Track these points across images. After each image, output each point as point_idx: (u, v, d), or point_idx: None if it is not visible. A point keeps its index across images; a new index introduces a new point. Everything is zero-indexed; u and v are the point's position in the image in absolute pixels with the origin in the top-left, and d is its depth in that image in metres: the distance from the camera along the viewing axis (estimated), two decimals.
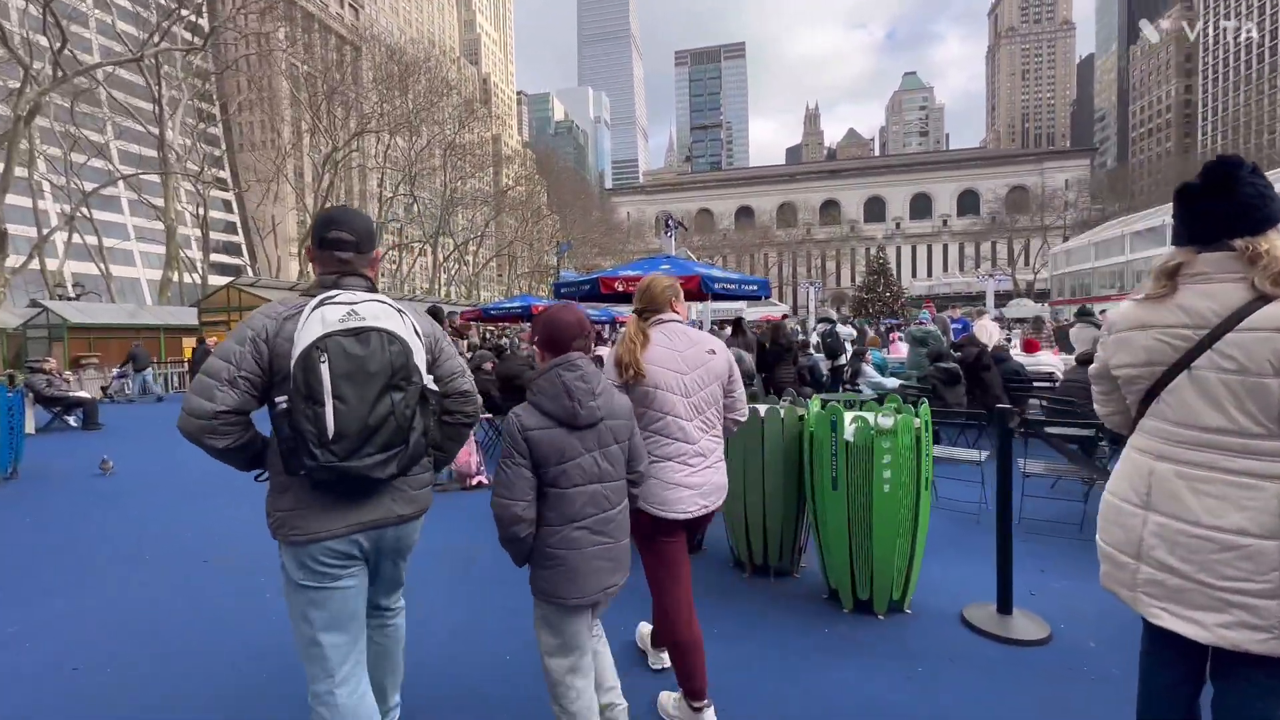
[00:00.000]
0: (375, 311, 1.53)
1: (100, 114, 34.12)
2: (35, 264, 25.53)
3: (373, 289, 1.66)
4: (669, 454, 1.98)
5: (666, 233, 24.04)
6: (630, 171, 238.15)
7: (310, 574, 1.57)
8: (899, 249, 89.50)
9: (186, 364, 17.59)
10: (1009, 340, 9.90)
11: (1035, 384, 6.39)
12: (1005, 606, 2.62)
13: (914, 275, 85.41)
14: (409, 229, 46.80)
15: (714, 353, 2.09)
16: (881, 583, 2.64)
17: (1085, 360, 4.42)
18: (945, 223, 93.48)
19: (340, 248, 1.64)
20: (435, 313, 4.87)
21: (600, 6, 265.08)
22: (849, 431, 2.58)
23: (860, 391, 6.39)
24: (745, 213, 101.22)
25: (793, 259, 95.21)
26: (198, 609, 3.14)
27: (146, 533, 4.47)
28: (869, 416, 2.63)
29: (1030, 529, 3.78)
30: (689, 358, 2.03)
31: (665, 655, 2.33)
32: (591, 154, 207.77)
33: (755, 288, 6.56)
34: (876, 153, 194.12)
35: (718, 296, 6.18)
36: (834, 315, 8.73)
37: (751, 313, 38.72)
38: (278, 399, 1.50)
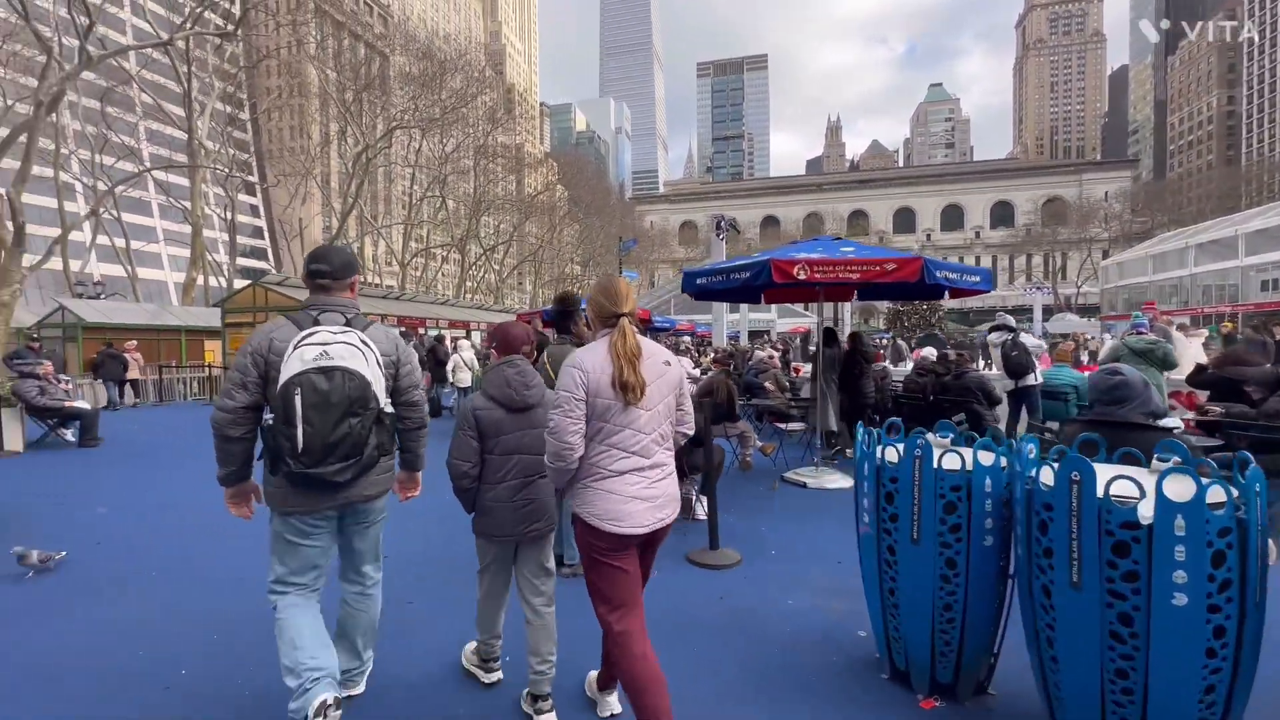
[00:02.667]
0: (342, 353, 1.89)
1: (131, 118, 33.47)
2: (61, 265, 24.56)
3: (351, 311, 2.05)
4: (624, 468, 1.88)
5: (719, 235, 22.40)
6: (650, 182, 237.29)
7: (286, 531, 2.01)
8: None
9: (209, 368, 16.20)
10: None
11: None
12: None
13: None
14: (434, 234, 45.57)
15: (669, 364, 1.99)
16: None
17: None
18: (978, 234, 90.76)
19: (320, 277, 2.05)
20: (568, 299, 3.35)
21: (622, 19, 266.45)
22: None
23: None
24: (770, 222, 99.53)
25: None
26: None
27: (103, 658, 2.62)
28: None
29: None
30: (649, 368, 1.90)
31: (612, 699, 2.20)
32: (612, 165, 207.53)
33: (978, 279, 4.78)
34: (901, 164, 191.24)
35: (937, 290, 4.42)
36: (1012, 321, 6.83)
37: (782, 324, 36.80)
38: (266, 415, 1.95)
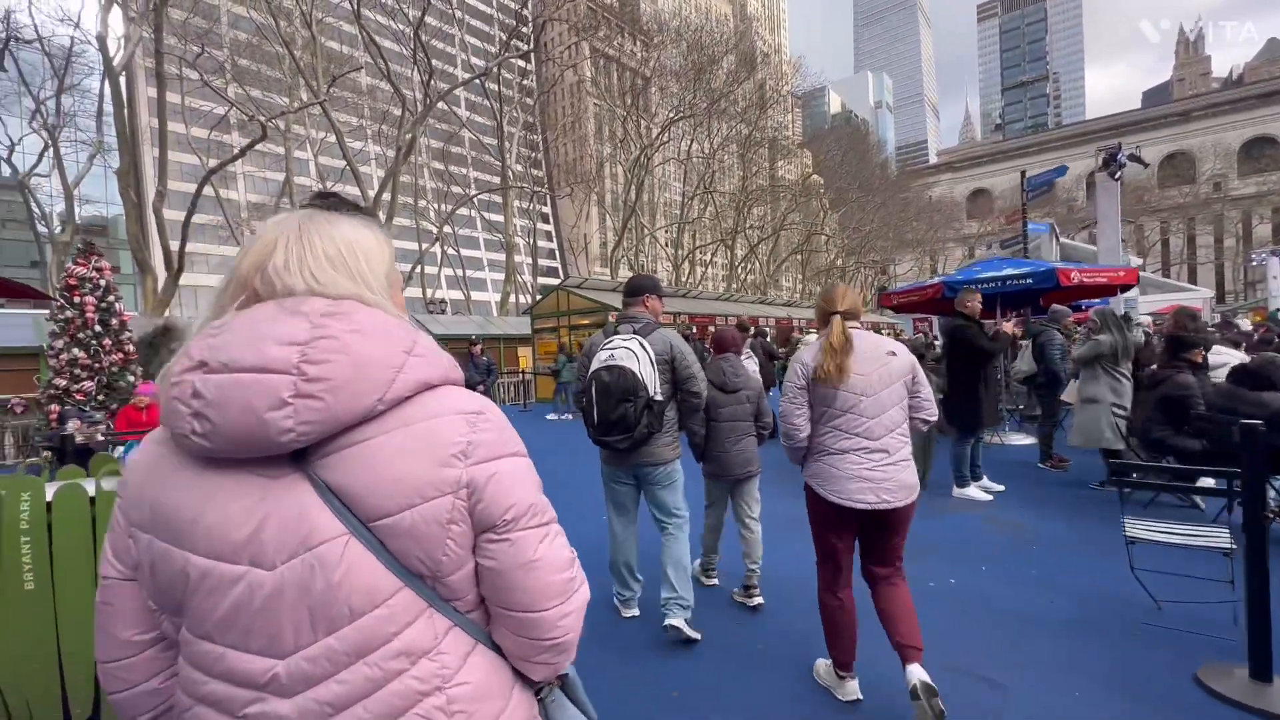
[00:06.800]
0: (622, 355, 2.69)
1: (462, 170, 40.44)
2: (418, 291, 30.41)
3: (642, 322, 2.92)
4: (847, 447, 2.22)
5: (1114, 176, 15.32)
6: (919, 155, 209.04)
7: (606, 481, 3.13)
8: None
9: (521, 374, 16.88)
10: None
11: None
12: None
13: None
14: (699, 235, 45.41)
15: (894, 354, 2.30)
16: None
17: None
18: None
19: (629, 294, 3.03)
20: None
21: None
22: None
23: None
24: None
25: (1188, 226, 69.54)
26: None
27: None
28: None
29: None
30: (870, 358, 2.26)
31: (853, 684, 2.39)
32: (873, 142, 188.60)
33: None
34: None
35: None
36: None
37: (1147, 302, 25.48)
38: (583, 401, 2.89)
